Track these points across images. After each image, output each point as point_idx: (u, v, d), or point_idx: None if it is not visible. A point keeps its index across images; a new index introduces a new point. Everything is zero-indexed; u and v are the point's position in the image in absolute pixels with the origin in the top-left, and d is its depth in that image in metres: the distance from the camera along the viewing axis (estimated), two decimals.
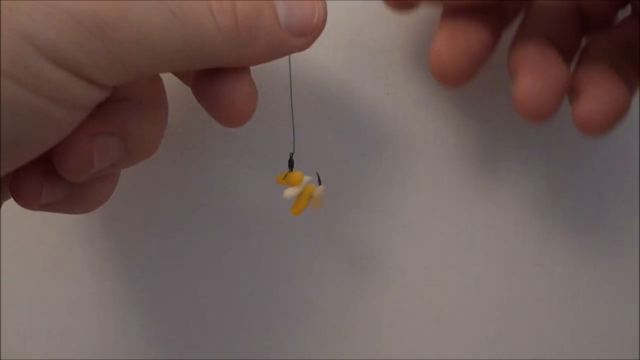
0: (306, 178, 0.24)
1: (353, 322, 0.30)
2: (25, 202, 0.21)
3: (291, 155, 0.25)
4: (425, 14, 0.28)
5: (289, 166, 0.25)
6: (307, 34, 0.21)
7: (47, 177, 0.21)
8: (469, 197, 0.29)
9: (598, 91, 0.22)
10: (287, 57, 0.23)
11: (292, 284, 0.30)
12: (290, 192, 0.24)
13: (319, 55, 0.28)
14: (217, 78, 0.21)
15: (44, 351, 0.30)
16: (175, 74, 0.25)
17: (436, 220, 0.29)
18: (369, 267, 0.30)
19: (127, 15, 0.18)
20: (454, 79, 0.23)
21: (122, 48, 0.18)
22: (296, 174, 0.24)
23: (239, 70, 0.21)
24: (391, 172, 0.29)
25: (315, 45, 0.24)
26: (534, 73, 0.22)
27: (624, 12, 0.25)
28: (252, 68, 0.22)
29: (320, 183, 0.25)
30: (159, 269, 0.30)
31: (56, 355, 0.30)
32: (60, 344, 0.30)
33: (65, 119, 0.18)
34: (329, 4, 0.28)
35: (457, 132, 0.29)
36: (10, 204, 0.22)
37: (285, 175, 0.24)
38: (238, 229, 0.30)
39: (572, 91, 0.23)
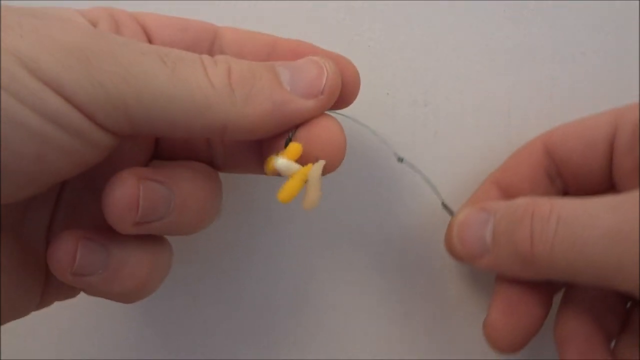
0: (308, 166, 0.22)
1: (353, 322, 0.30)
2: (58, 266, 0.21)
3: (290, 134, 0.22)
4: (419, 12, 0.28)
5: (285, 145, 0.22)
6: (316, 95, 0.22)
7: (82, 241, 0.21)
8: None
9: None
10: None
11: (292, 284, 0.30)
12: (284, 162, 0.22)
13: None
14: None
15: (44, 351, 0.30)
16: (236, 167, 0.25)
17: (437, 218, 0.29)
18: (370, 267, 0.30)
19: (114, 52, 0.19)
20: (509, 349, 0.24)
21: (106, 77, 0.18)
22: (294, 145, 0.22)
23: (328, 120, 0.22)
24: (391, 171, 0.29)
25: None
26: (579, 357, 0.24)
27: None
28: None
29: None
30: None
31: (56, 356, 0.30)
32: (60, 344, 0.30)
33: (56, 138, 0.18)
34: (329, 5, 0.28)
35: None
36: None
37: (279, 152, 0.22)
38: (239, 230, 0.30)
39: None
